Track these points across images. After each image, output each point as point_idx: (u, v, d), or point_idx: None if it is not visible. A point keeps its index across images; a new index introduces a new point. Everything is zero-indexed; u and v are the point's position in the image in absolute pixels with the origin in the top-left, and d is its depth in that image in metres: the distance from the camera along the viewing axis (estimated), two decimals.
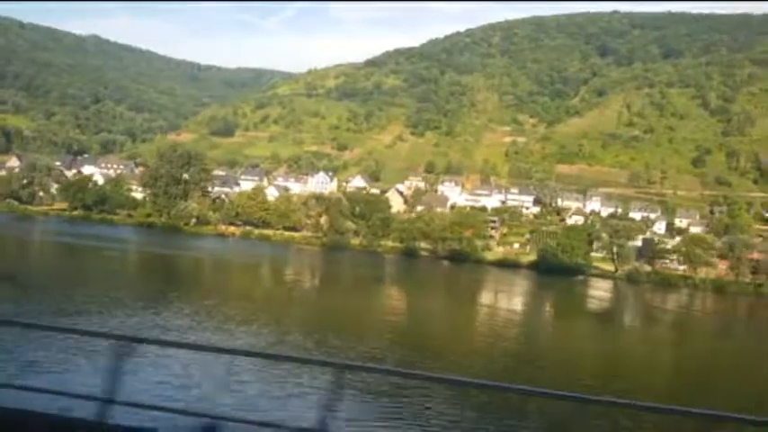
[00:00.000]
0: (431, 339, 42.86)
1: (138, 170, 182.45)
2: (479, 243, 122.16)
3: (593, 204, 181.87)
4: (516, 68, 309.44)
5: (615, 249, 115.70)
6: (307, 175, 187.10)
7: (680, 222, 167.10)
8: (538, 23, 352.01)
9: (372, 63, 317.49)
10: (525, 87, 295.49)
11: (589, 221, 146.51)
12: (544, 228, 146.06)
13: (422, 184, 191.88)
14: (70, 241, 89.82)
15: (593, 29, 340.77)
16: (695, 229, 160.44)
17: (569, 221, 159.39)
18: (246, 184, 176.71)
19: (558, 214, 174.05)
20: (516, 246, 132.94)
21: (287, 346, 34.42)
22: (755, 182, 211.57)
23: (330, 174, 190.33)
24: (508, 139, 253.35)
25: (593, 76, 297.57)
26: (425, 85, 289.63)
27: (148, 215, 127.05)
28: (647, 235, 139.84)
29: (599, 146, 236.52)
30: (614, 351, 48.15)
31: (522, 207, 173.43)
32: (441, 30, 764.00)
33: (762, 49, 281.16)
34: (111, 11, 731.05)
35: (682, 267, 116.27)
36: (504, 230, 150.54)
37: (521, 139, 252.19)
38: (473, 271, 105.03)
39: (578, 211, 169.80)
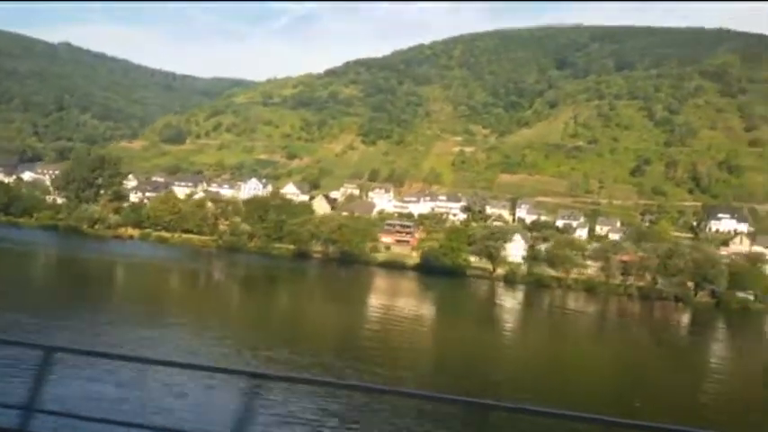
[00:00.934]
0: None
1: None
2: (370, 245, 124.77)
3: (521, 212, 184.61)
4: (474, 80, 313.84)
5: (491, 251, 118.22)
6: (241, 182, 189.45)
7: (600, 230, 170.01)
8: (500, 37, 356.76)
9: (332, 73, 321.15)
10: (481, 99, 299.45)
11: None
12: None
13: (357, 191, 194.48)
14: None
15: (554, 42, 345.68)
16: (614, 236, 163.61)
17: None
18: (181, 190, 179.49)
19: (485, 221, 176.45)
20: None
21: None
22: (691, 191, 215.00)
23: (264, 181, 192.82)
24: (458, 149, 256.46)
25: (549, 88, 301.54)
26: (382, 95, 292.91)
27: (52, 218, 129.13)
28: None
29: (542, 156, 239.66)
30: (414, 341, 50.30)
31: (448, 213, 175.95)
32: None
33: (710, 61, 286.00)
34: (95, 19, 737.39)
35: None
36: (423, 235, 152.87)
37: (470, 149, 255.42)
38: (354, 271, 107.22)
39: (499, 218, 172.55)
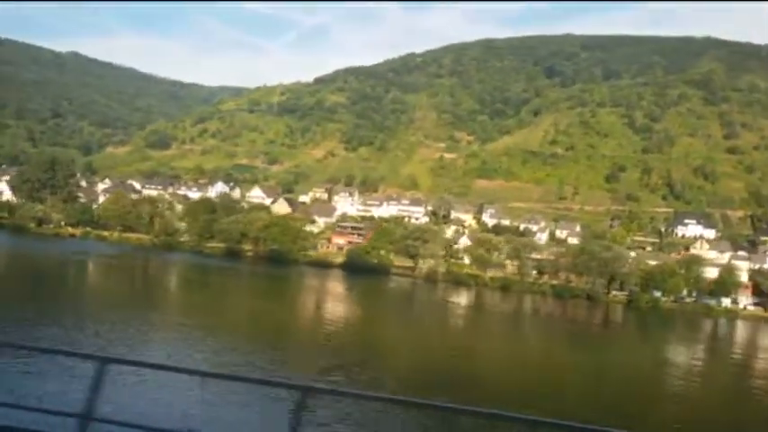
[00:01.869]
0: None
1: None
2: (302, 244, 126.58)
3: (486, 216, 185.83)
4: (461, 88, 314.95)
5: (411, 250, 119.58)
6: (208, 185, 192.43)
7: (560, 233, 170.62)
8: (489, 45, 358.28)
9: (321, 81, 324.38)
10: (467, 107, 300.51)
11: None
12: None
13: (325, 195, 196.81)
14: None
15: (544, 51, 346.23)
16: (572, 240, 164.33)
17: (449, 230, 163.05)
18: (150, 193, 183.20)
19: (446, 224, 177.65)
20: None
21: None
22: (664, 198, 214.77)
23: (231, 184, 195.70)
24: (439, 155, 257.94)
25: (536, 96, 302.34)
26: (367, 102, 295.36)
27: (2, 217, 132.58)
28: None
29: (519, 163, 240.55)
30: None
31: (410, 217, 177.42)
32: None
33: (695, 70, 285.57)
34: (117, 30, 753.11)
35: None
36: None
37: (451, 156, 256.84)
38: (273, 269, 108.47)
39: (457, 221, 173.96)
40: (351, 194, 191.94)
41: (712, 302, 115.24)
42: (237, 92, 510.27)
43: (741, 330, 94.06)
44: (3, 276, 72.62)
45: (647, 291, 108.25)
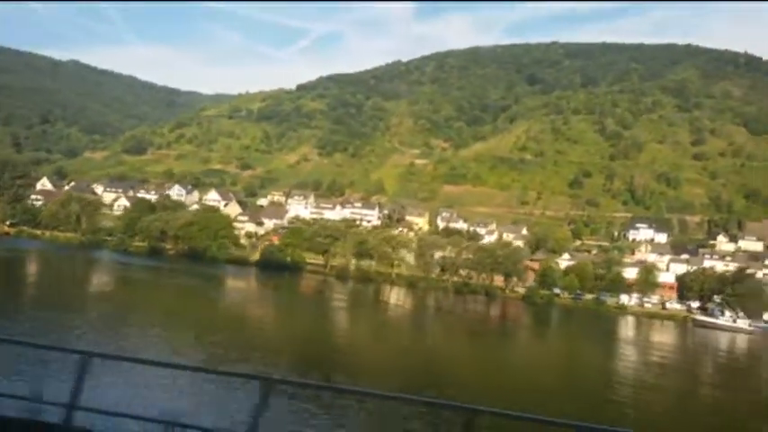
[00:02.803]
0: None
1: None
2: (222, 242, 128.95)
3: (440, 220, 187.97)
4: (441, 95, 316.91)
5: (323, 248, 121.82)
6: (165, 188, 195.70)
7: (506, 236, 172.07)
8: (473, 53, 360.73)
9: (303, 88, 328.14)
10: (446, 113, 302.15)
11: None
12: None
13: (283, 199, 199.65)
14: None
15: (527, 59, 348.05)
16: (517, 242, 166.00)
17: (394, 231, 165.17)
18: (109, 196, 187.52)
19: (397, 227, 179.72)
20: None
21: None
22: (625, 203, 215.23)
23: (189, 187, 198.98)
24: (410, 161, 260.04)
25: (516, 103, 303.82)
26: (345, 109, 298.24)
27: None
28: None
29: (487, 168, 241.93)
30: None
31: (361, 220, 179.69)
32: None
33: (672, 77, 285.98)
34: (128, 41, 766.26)
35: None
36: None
37: (422, 162, 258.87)
38: (191, 266, 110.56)
39: (407, 224, 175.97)
40: (306, 198, 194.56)
41: (611, 300, 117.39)
42: (232, 100, 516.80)
43: (611, 324, 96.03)
44: None
45: (546, 288, 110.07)
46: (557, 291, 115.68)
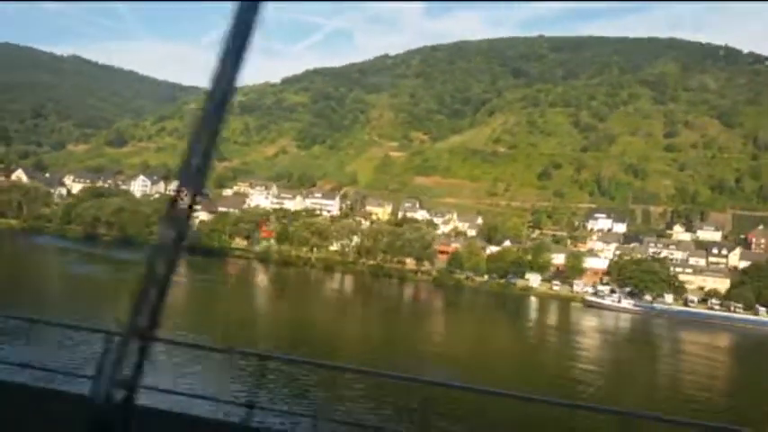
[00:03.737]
0: None
1: None
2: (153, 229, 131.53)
3: (401, 210, 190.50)
4: (424, 89, 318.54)
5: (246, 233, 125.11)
6: (132, 179, 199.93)
7: (461, 225, 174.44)
8: (460, 47, 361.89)
9: (287, 81, 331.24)
10: (427, 106, 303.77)
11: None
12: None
13: (249, 190, 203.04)
14: None
15: (512, 52, 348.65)
16: (471, 232, 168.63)
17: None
18: (77, 186, 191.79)
19: (356, 216, 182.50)
20: None
21: None
22: (591, 194, 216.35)
23: (155, 178, 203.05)
24: (384, 154, 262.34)
25: (498, 96, 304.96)
26: (327, 102, 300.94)
27: None
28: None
29: (460, 160, 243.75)
30: None
31: (321, 209, 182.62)
32: None
33: (650, 70, 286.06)
34: (137, 36, 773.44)
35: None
36: (277, 227, 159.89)
37: (398, 154, 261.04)
38: (118, 252, 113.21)
39: (365, 214, 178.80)
40: (268, 188, 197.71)
41: (519, 282, 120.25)
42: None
43: (510, 304, 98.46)
44: None
45: (459, 270, 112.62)
46: (469, 274, 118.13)
